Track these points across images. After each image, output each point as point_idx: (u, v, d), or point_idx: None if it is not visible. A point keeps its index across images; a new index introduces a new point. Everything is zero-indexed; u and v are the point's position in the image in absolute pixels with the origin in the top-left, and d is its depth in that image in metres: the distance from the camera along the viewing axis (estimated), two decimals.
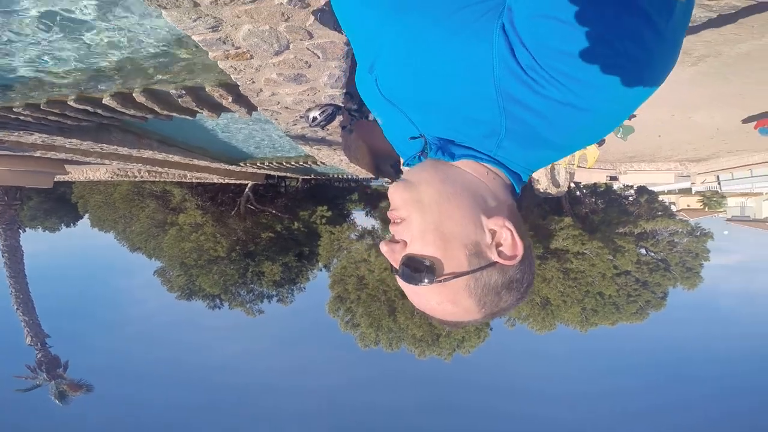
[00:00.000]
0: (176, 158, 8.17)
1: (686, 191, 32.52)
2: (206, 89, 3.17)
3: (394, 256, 0.60)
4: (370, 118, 4.42)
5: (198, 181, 15.29)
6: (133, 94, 3.09)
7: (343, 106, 3.84)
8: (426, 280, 0.56)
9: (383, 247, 0.61)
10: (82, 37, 2.16)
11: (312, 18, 1.85)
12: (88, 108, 3.39)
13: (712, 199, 31.98)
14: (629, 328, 15.32)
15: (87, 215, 22.02)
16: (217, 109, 3.89)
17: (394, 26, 0.59)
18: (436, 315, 0.61)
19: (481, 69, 0.52)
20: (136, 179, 14.38)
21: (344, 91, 3.44)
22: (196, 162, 9.19)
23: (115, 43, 2.33)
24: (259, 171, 12.67)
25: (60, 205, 25.36)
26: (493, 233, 0.57)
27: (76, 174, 13.16)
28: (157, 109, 3.44)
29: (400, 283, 0.60)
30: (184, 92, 3.12)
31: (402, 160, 0.75)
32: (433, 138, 0.63)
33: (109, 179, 14.20)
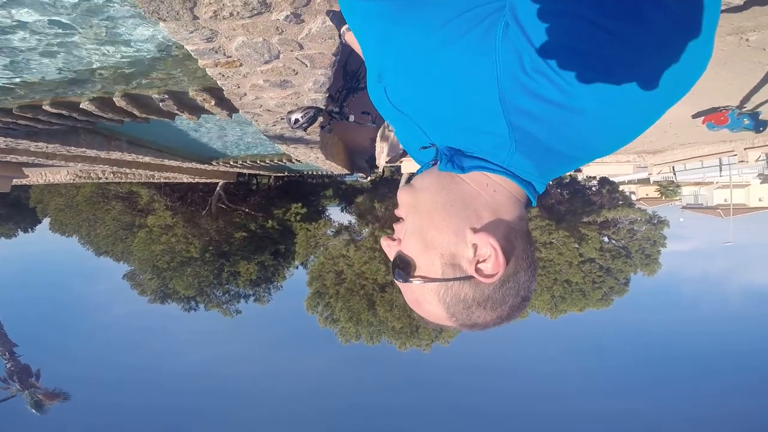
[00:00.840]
0: (146, 159, 7.94)
1: (645, 181, 34.27)
2: (189, 94, 3.17)
3: (390, 250, 0.63)
4: (350, 119, 4.50)
5: (166, 181, 14.84)
6: (113, 99, 3.05)
7: (324, 108, 3.91)
8: (401, 278, 0.59)
9: (383, 242, 0.65)
10: (67, 42, 2.14)
11: (305, 31, 1.93)
12: (63, 112, 3.31)
13: (669, 189, 33.82)
14: (596, 314, 16.07)
15: (46, 219, 20.92)
16: (198, 111, 3.88)
17: (394, 38, 0.59)
18: (417, 311, 0.63)
19: (483, 80, 0.50)
20: (100, 181, 13.81)
21: (327, 94, 3.51)
22: (166, 162, 8.96)
23: (97, 49, 2.32)
24: (231, 170, 12.45)
25: (16, 210, 23.91)
26: (476, 248, 0.56)
27: (35, 177, 12.51)
28: (136, 112, 3.40)
29: (392, 276, 0.63)
30: (166, 96, 3.11)
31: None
32: (443, 147, 0.62)
33: (71, 181, 13.57)
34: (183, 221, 17.10)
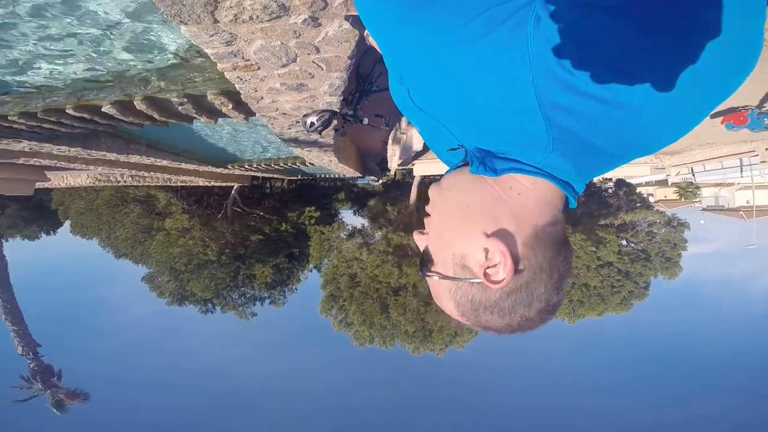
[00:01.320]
0: (164, 162, 8.11)
1: (663, 183, 33.56)
2: (207, 97, 3.23)
3: (420, 243, 0.65)
4: (364, 122, 4.53)
5: (182, 184, 15.13)
6: (134, 102, 3.12)
7: (339, 111, 3.94)
8: (421, 272, 0.63)
9: (415, 235, 0.67)
10: (100, 47, 2.21)
11: (322, 34, 1.95)
12: (86, 116, 3.41)
13: (688, 190, 33.03)
14: (616, 319, 15.72)
15: (68, 222, 21.50)
16: (215, 114, 3.95)
17: (416, 38, 0.57)
18: (438, 305, 0.65)
19: (516, 77, 0.47)
20: (119, 184, 14.14)
21: (341, 98, 3.54)
22: (183, 166, 9.14)
23: (122, 54, 2.38)
24: (246, 173, 12.62)
25: (38, 212, 24.63)
26: (487, 252, 0.55)
27: (56, 181, 12.88)
28: (156, 116, 3.48)
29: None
30: (185, 100, 3.18)
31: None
32: (473, 149, 0.59)
33: (91, 185, 13.93)
34: (200, 224, 17.37)
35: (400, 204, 17.03)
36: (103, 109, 3.26)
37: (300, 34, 1.93)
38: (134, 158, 6.67)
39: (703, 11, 0.40)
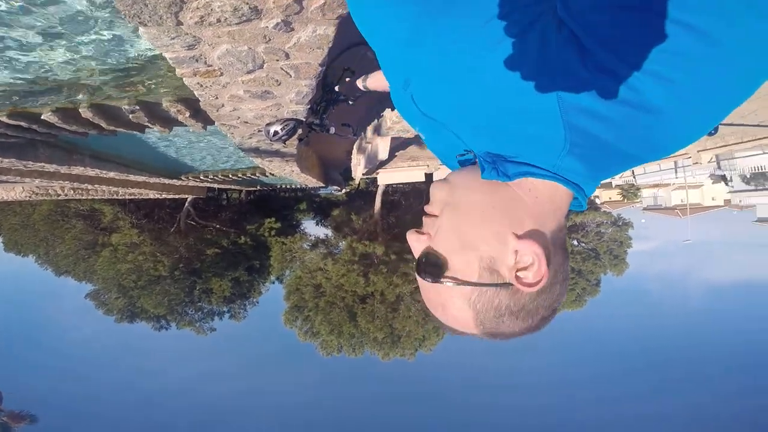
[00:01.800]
0: (111, 174, 7.56)
1: (607, 185, 35.84)
2: (162, 105, 3.01)
3: (418, 246, 0.59)
4: (331, 131, 4.42)
5: (131, 197, 14.22)
6: (79, 110, 2.85)
7: (304, 120, 3.81)
8: (431, 277, 0.55)
9: (410, 235, 0.59)
10: (35, 49, 1.97)
11: (293, 40, 1.85)
12: (23, 124, 3.07)
13: (630, 191, 35.44)
14: (572, 315, 16.53)
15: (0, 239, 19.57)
16: (170, 123, 3.70)
17: (426, 38, 0.55)
18: (437, 316, 0.59)
19: (539, 81, 0.47)
20: (59, 198, 13.07)
21: (308, 106, 3.43)
22: (132, 177, 8.56)
23: (68, 57, 2.15)
24: (200, 184, 12.07)
25: None
26: (517, 254, 0.53)
27: None
28: (103, 125, 3.20)
29: (416, 274, 0.59)
30: (137, 108, 2.94)
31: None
32: (483, 153, 0.57)
33: (27, 199, 12.77)
34: (150, 239, 16.39)
35: (365, 213, 16.99)
36: (42, 117, 2.95)
37: (270, 39, 1.82)
38: (77, 170, 6.15)
39: (739, 11, 0.39)
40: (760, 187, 26.43)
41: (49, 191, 11.92)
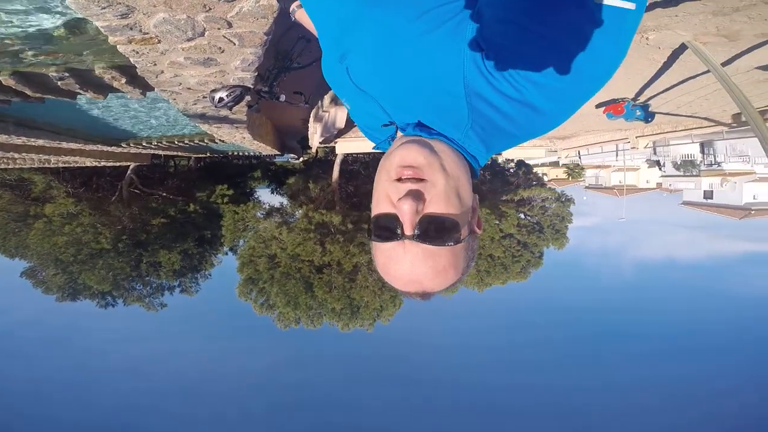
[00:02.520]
0: (40, 142, 6.93)
1: (555, 164, 37.60)
2: (95, 71, 2.81)
3: (414, 217, 0.56)
4: (281, 99, 4.31)
5: (65, 165, 13.08)
6: (0, 78, 2.60)
7: (252, 87, 3.69)
8: (451, 241, 0.57)
9: (407, 204, 0.55)
10: None
11: (236, 9, 1.79)
12: None
13: (575, 171, 37.40)
14: (517, 287, 17.45)
15: None
16: (105, 90, 3.46)
17: (369, 21, 0.62)
18: (425, 279, 0.58)
19: (453, 67, 0.56)
20: None
21: (255, 73, 3.32)
22: (65, 145, 7.89)
23: None
24: (143, 151, 11.32)
25: None
26: (473, 207, 0.64)
27: None
28: (28, 92, 2.94)
29: (410, 245, 0.57)
30: (66, 74, 2.72)
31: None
32: (404, 123, 0.66)
33: None
34: (89, 209, 15.28)
35: (323, 181, 16.74)
36: None
37: (210, 8, 1.76)
38: (0, 139, 5.60)
39: (598, 41, 0.51)
40: (688, 173, 28.94)
41: None
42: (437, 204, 0.57)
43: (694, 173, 28.22)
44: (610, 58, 0.53)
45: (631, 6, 0.51)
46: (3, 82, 2.59)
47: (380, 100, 0.67)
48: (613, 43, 0.52)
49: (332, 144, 11.74)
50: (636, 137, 9.54)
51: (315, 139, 10.37)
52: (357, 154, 16.75)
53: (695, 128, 8.60)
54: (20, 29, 2.07)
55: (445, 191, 0.58)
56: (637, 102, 6.82)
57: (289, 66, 4.75)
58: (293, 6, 1.15)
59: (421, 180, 0.58)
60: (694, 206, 28.37)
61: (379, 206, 0.60)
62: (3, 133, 5.05)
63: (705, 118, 7.81)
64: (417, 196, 0.56)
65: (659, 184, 34.41)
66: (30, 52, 2.35)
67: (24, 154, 8.11)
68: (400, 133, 0.68)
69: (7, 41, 2.21)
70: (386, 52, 0.61)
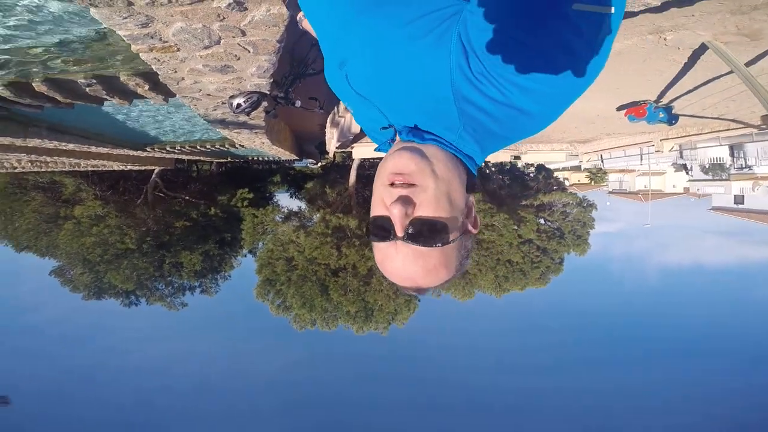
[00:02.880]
0: (70, 146, 7.27)
1: (576, 168, 36.86)
2: (120, 78, 2.96)
3: (404, 219, 0.60)
4: (297, 105, 4.42)
5: (94, 169, 13.64)
6: (33, 84, 2.78)
7: (268, 93, 3.80)
8: (439, 242, 0.61)
9: (398, 208, 0.59)
10: None
11: (248, 18, 1.88)
12: None
13: (597, 175, 36.60)
14: (536, 293, 17.11)
15: None
16: (130, 96, 3.63)
17: (360, 29, 0.65)
18: (417, 277, 0.63)
19: (441, 73, 0.59)
20: (16, 170, 12.41)
21: (271, 80, 3.42)
22: (94, 149, 8.25)
23: (16, 28, 2.10)
24: (168, 156, 11.71)
25: None
26: (468, 207, 0.67)
27: None
28: (59, 98, 3.12)
29: (401, 246, 0.61)
30: (94, 81, 2.88)
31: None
32: (402, 127, 0.70)
33: None
34: (116, 211, 15.86)
35: (340, 186, 16.91)
36: None
37: (224, 18, 1.85)
38: (34, 142, 5.91)
39: (575, 40, 0.54)
40: (717, 178, 27.87)
41: (4, 164, 11.31)
42: (427, 207, 0.61)
43: (724, 177, 27.13)
44: (592, 61, 0.55)
45: (610, 10, 0.55)
46: (36, 88, 2.76)
47: (378, 104, 0.70)
48: (594, 46, 0.55)
49: (349, 149, 11.86)
50: (660, 140, 9.28)
51: (332, 144, 10.51)
52: (374, 158, 16.85)
53: (723, 130, 8.29)
54: (51, 38, 2.21)
55: (435, 195, 0.61)
56: (660, 104, 6.64)
57: (304, 72, 4.86)
58: (300, 15, 1.21)
59: (412, 185, 0.61)
60: (724, 211, 27.25)
61: (376, 209, 0.65)
62: (36, 137, 5.33)
63: (733, 120, 7.54)
64: (406, 201, 0.60)
65: (686, 189, 33.30)
66: (59, 60, 2.51)
67: (55, 157, 8.50)
68: (398, 137, 0.71)
69: (39, 50, 2.37)
70: (378, 59, 0.64)
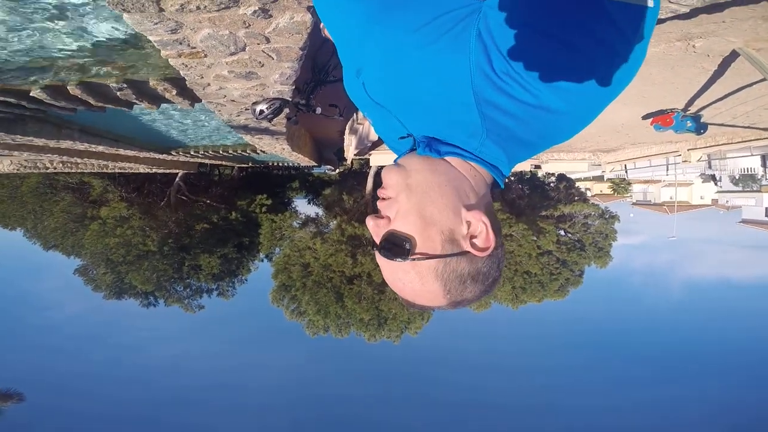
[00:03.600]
0: (100, 148, 7.54)
1: (599, 178, 36.03)
2: (149, 83, 3.07)
3: (378, 230, 0.63)
4: (317, 111, 4.49)
5: (121, 171, 14.10)
6: (67, 87, 2.90)
7: (290, 100, 3.88)
8: (400, 257, 0.59)
9: (369, 221, 0.63)
10: (26, 28, 2.03)
11: (272, 26, 1.93)
12: (11, 100, 3.12)
13: (620, 186, 35.65)
14: (554, 305, 16.76)
15: None
16: (158, 101, 3.75)
17: (373, 36, 0.62)
18: (405, 294, 0.63)
19: (459, 76, 0.55)
20: (48, 171, 12.94)
21: (293, 87, 3.49)
22: (122, 152, 8.54)
23: (56, 36, 2.21)
24: (191, 160, 12.01)
25: None
26: (469, 225, 0.60)
27: None
28: (91, 101, 3.25)
29: (378, 257, 0.63)
30: (124, 85, 3.00)
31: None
32: (420, 137, 0.66)
33: (15, 171, 12.62)
34: (139, 213, 16.32)
35: (357, 193, 17.01)
36: (31, 94, 3.00)
37: (249, 25, 1.90)
38: (66, 144, 6.15)
39: (610, 33, 0.49)
40: (748, 189, 26.82)
41: (38, 164, 11.81)
42: (398, 222, 0.61)
43: (755, 188, 26.11)
44: (630, 58, 0.51)
45: (649, 2, 0.51)
46: (70, 91, 2.88)
47: (395, 113, 0.68)
48: (632, 41, 0.51)
49: (366, 156, 11.95)
50: (688, 150, 9.00)
51: (350, 151, 10.61)
52: None
53: (754, 140, 7.98)
54: (86, 44, 2.31)
55: (405, 210, 0.61)
56: (688, 113, 6.46)
57: (325, 79, 4.94)
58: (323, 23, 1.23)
59: (389, 198, 0.63)
60: (755, 224, 26.19)
61: None
62: (68, 138, 5.55)
63: (765, 129, 7.28)
64: (379, 215, 0.63)
65: (715, 201, 32.21)
66: (93, 65, 2.62)
67: (85, 159, 8.82)
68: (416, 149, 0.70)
69: (76, 55, 2.48)
70: (392, 66, 0.61)
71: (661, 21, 3.23)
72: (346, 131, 10.38)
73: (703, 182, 32.84)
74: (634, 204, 36.74)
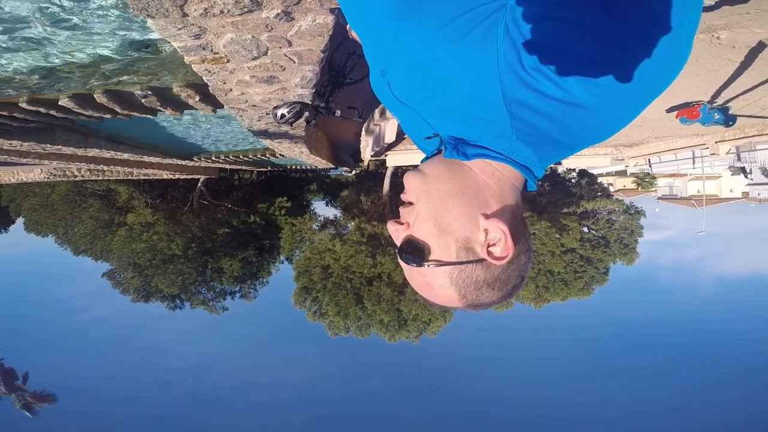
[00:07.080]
0: (125, 156, 7.76)
1: (622, 173, 35.09)
2: (173, 90, 3.12)
3: (398, 234, 0.64)
4: (336, 114, 4.49)
5: (145, 177, 14.51)
6: (94, 95, 2.97)
7: (311, 103, 3.89)
8: (417, 262, 0.61)
9: (390, 226, 0.65)
10: (53, 36, 2.09)
11: (294, 29, 1.93)
12: (41, 109, 3.22)
13: (645, 180, 34.63)
14: (579, 304, 16.38)
15: (20, 219, 20.19)
16: (181, 107, 3.81)
17: (398, 34, 0.60)
18: (423, 295, 0.65)
19: (487, 74, 0.53)
20: (76, 179, 13.41)
21: (314, 90, 3.50)
22: (146, 159, 8.77)
23: (80, 44, 2.26)
24: (212, 165, 12.25)
25: None
26: (487, 233, 0.60)
27: (5, 176, 12.07)
28: (117, 109, 3.33)
29: (400, 260, 0.65)
30: (149, 93, 3.05)
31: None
32: (447, 137, 0.65)
33: (45, 180, 13.13)
34: (164, 218, 16.77)
35: (374, 194, 17.04)
36: (60, 103, 3.09)
37: (272, 28, 1.90)
38: (93, 152, 6.34)
39: (645, 20, 0.46)
40: None
41: (67, 173, 12.24)
42: (416, 228, 0.62)
43: None
44: (672, 51, 0.48)
45: None
46: (97, 99, 2.95)
47: (422, 113, 0.67)
48: (674, 32, 0.47)
49: (383, 157, 11.94)
50: (716, 142, 8.68)
51: (367, 152, 10.62)
52: (407, 166, 16.88)
53: None
54: (110, 52, 2.36)
55: (422, 217, 0.62)
56: (714, 104, 6.24)
57: (343, 81, 4.94)
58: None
59: (410, 204, 0.64)
60: None
61: None
62: (95, 147, 5.72)
63: None
64: (398, 220, 0.65)
65: (745, 194, 30.96)
66: (117, 72, 2.67)
67: (112, 166, 9.09)
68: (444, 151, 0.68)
69: (102, 63, 2.53)
70: (417, 65, 0.60)
71: None
72: (363, 132, 10.40)
73: (732, 175, 31.61)
74: (659, 198, 35.67)
